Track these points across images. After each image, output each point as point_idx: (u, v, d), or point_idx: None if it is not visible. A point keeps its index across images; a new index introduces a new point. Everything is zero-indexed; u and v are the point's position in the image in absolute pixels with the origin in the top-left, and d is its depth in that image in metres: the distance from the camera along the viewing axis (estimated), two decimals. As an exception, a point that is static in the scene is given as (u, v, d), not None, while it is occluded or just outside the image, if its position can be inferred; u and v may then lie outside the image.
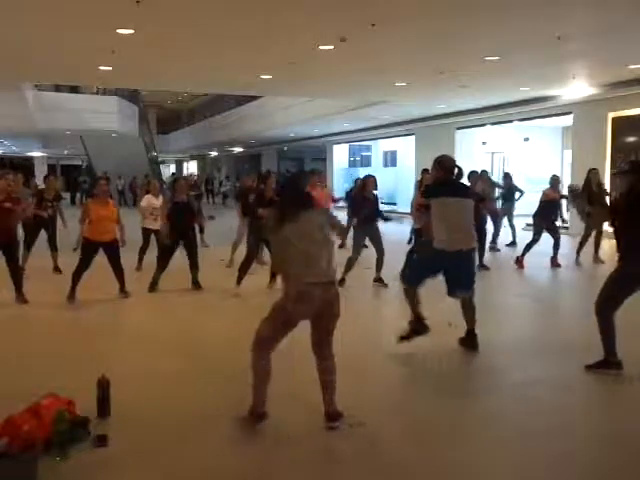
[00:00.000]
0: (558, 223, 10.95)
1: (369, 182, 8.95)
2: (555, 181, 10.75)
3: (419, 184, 10.85)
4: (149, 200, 10.32)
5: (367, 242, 9.13)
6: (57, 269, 9.73)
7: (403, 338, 5.58)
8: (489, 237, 11.91)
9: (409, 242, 10.67)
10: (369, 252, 8.98)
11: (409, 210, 10.88)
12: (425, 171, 10.19)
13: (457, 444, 3.84)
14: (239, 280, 8.11)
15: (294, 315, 3.89)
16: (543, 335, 6.46)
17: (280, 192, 4.13)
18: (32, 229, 9.71)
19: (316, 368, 4.04)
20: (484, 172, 12.63)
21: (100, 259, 8.00)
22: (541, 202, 10.66)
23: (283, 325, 3.92)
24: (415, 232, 9.95)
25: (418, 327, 5.56)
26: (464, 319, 5.68)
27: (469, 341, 5.63)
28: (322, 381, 4.02)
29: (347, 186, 22.58)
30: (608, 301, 4.94)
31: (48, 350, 5.80)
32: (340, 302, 3.97)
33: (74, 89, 25.84)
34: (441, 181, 5.68)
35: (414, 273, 5.68)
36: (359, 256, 8.78)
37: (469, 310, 5.64)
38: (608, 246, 11.76)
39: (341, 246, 10.54)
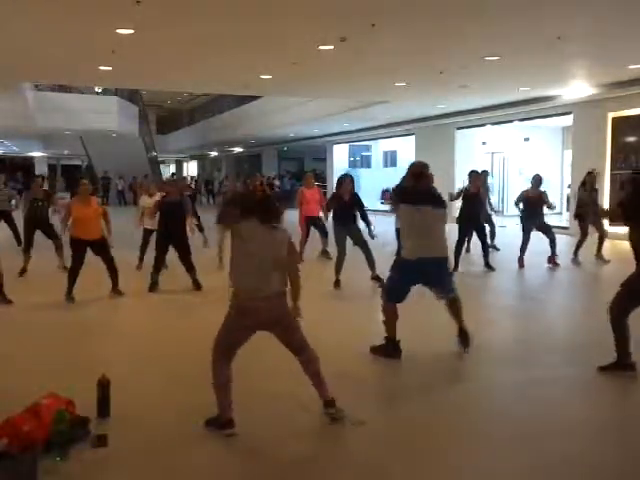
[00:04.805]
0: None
1: (345, 182, 8.87)
2: (537, 181, 10.69)
3: None
4: (143, 200, 10.48)
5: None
6: (66, 268, 9.61)
7: (374, 350, 5.47)
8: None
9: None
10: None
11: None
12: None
13: (458, 444, 3.84)
14: None
15: (238, 327, 3.87)
16: (544, 335, 6.45)
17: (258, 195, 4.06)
18: (28, 229, 9.76)
19: (299, 363, 4.04)
20: (477, 172, 12.46)
21: (99, 259, 7.99)
22: (524, 203, 10.66)
23: (234, 334, 3.89)
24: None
25: (391, 349, 5.43)
26: (452, 318, 5.56)
27: (460, 339, 5.55)
28: (308, 374, 4.02)
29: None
30: (622, 304, 4.90)
31: (48, 350, 5.80)
32: (287, 314, 3.90)
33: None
34: (409, 188, 5.56)
35: (390, 289, 5.53)
36: (345, 254, 8.73)
37: (454, 308, 5.51)
38: (610, 246, 11.79)
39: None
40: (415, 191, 5.45)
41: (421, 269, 5.32)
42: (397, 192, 5.75)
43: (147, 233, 10.29)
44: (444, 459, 3.65)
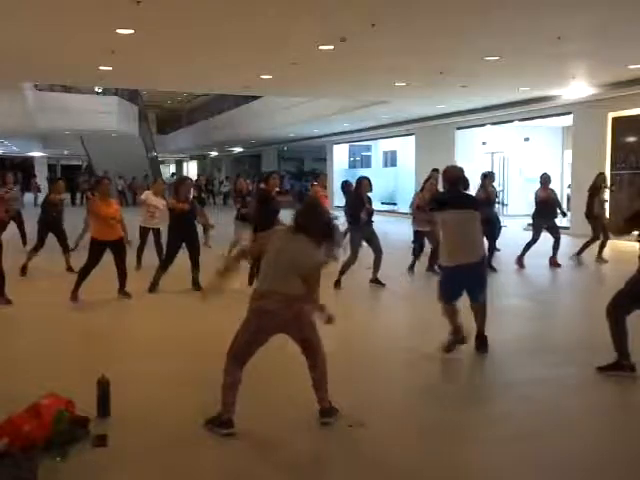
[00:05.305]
0: (560, 220, 10.95)
1: (364, 184, 8.84)
2: (545, 180, 10.73)
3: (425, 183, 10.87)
4: (148, 196, 10.27)
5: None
6: (70, 269, 9.63)
7: (447, 349, 5.53)
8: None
9: (414, 242, 10.64)
10: (368, 252, 8.93)
11: (409, 211, 10.96)
12: (435, 171, 10.08)
13: (459, 445, 3.83)
14: (250, 281, 8.10)
15: (255, 330, 3.86)
16: (544, 335, 6.46)
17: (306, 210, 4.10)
18: (42, 231, 9.83)
19: (307, 367, 4.02)
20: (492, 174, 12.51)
21: (102, 259, 7.98)
22: (537, 203, 10.69)
23: (251, 337, 3.88)
24: (415, 234, 9.95)
25: (458, 339, 5.52)
26: (475, 321, 5.63)
27: (478, 342, 5.60)
28: (312, 378, 4.01)
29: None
30: (621, 305, 4.89)
31: (48, 350, 5.80)
32: (302, 317, 3.87)
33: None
34: (444, 193, 5.74)
35: (442, 293, 5.65)
36: (356, 259, 8.69)
37: (479, 313, 5.59)
38: (610, 246, 11.79)
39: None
40: (454, 196, 5.55)
41: (464, 273, 5.42)
42: (437, 200, 5.91)
43: (145, 232, 10.24)
44: (445, 459, 3.64)
